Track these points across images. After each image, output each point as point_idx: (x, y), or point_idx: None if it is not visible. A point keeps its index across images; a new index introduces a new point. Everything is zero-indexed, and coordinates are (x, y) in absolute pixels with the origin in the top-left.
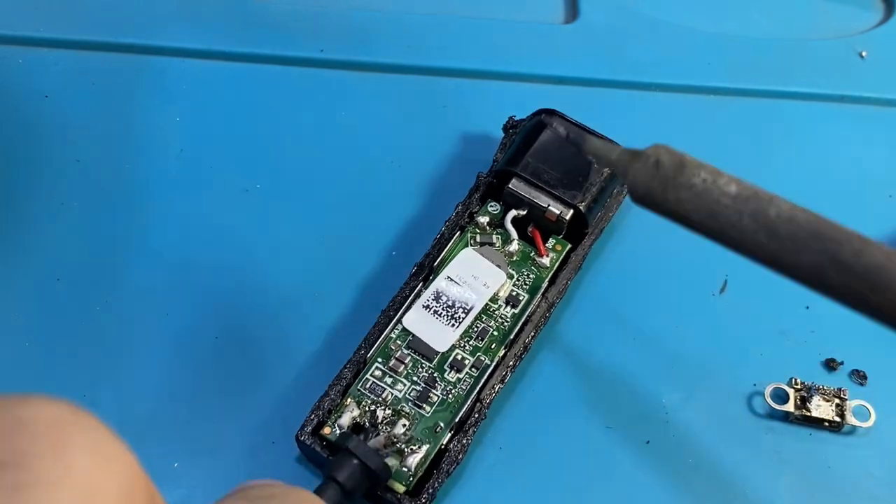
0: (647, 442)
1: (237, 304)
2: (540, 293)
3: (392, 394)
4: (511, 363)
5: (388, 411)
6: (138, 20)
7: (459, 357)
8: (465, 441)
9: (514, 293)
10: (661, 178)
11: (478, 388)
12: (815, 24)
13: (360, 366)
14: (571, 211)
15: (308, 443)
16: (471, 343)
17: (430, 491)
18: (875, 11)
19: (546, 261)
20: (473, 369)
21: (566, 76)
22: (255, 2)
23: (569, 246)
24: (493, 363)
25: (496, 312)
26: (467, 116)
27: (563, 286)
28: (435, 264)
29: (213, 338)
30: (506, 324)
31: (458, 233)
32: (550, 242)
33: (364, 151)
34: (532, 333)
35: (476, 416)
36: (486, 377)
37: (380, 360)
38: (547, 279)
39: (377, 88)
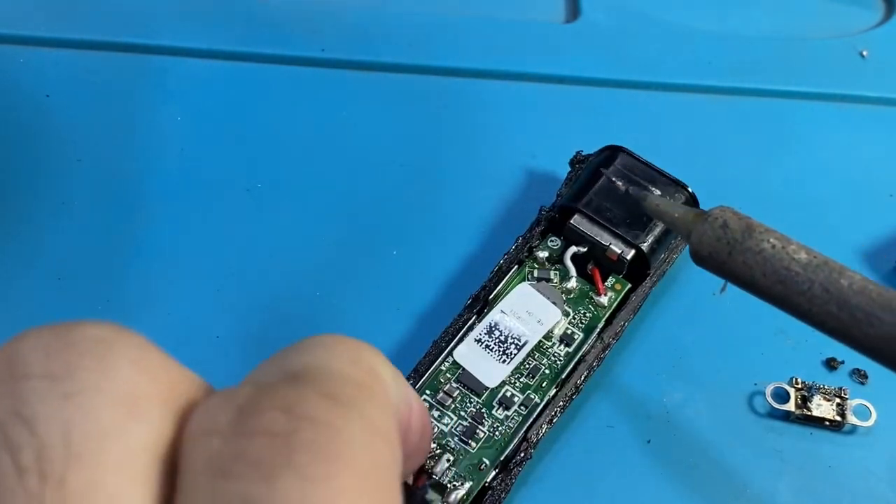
0: (648, 441)
1: (238, 304)
2: (596, 333)
3: (439, 427)
4: (561, 403)
5: (433, 445)
6: (139, 19)
7: (509, 394)
8: (509, 480)
9: (569, 331)
10: (729, 241)
11: (525, 427)
12: (816, 24)
13: None
14: (633, 251)
15: None
16: (521, 380)
17: None
18: (876, 11)
19: (604, 300)
20: (522, 407)
21: (567, 75)
22: (256, 1)
23: (629, 286)
24: (543, 402)
25: (549, 350)
26: (468, 116)
27: (621, 327)
28: (490, 297)
29: (215, 337)
30: (558, 362)
31: (516, 267)
32: (610, 281)
33: (365, 151)
34: (585, 374)
35: (522, 454)
36: (534, 416)
37: (428, 392)
38: (604, 319)
39: (378, 87)
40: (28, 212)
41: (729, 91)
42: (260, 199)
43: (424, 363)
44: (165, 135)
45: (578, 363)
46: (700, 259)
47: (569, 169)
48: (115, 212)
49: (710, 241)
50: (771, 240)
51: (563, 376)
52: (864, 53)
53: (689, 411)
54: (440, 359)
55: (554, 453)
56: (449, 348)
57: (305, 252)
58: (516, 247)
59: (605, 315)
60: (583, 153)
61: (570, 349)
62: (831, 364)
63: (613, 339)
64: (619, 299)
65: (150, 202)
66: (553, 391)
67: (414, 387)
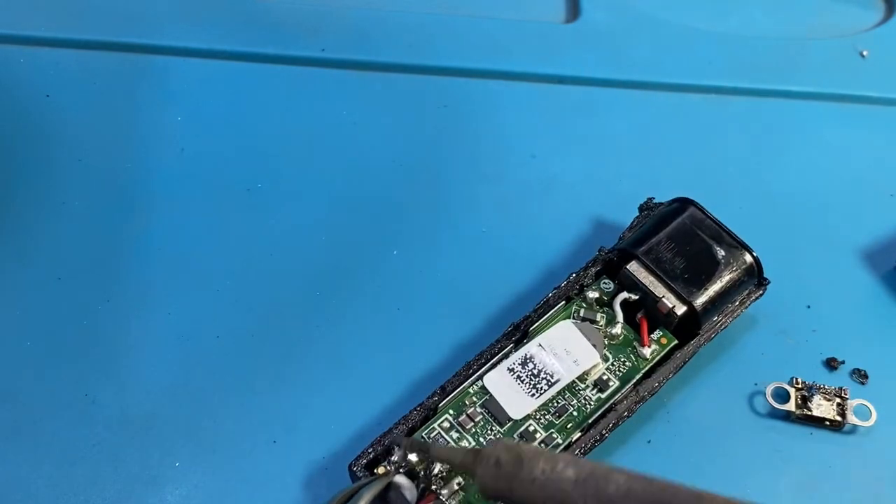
0: (649, 441)
1: (238, 304)
2: (631, 384)
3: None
4: (582, 448)
5: (445, 466)
6: (139, 19)
7: (531, 429)
8: None
9: (604, 377)
10: (505, 477)
11: None
12: (816, 24)
13: (430, 412)
14: (685, 307)
15: (359, 475)
16: (547, 417)
17: None
18: (876, 11)
19: (647, 352)
20: (542, 445)
21: (567, 75)
22: (256, 1)
23: (675, 342)
24: (564, 444)
25: (581, 393)
26: (468, 116)
27: (659, 383)
28: (531, 328)
29: (215, 337)
30: (588, 406)
31: (564, 302)
32: (656, 334)
33: (365, 151)
34: (613, 423)
35: None
36: None
37: (451, 412)
38: (643, 371)
39: (378, 87)
40: (28, 211)
41: (729, 91)
42: (260, 199)
43: (453, 382)
44: (166, 135)
45: (608, 411)
46: (490, 498)
47: (636, 213)
48: (115, 212)
49: (491, 481)
50: (540, 465)
51: (590, 422)
52: (864, 53)
53: (689, 411)
54: (469, 381)
55: None
56: (480, 372)
57: (305, 252)
58: (567, 282)
59: (644, 368)
60: (654, 200)
61: (603, 396)
62: (831, 364)
63: (649, 394)
64: (662, 354)
65: (151, 202)
66: (577, 435)
67: (437, 404)
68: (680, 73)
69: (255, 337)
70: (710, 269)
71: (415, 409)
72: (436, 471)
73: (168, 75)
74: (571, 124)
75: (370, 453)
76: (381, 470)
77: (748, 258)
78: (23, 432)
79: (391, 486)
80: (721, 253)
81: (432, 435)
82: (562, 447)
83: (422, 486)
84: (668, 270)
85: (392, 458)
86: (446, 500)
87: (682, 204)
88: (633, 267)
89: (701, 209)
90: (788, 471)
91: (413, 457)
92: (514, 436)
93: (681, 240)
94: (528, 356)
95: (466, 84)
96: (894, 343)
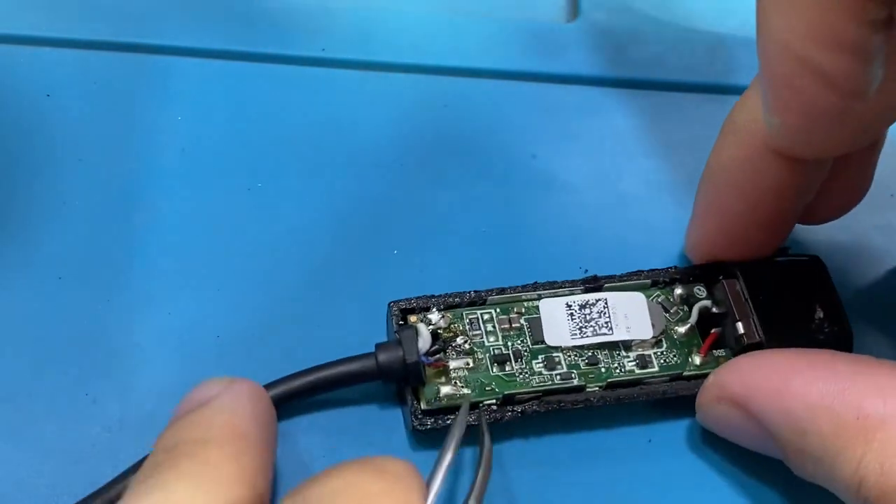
0: (650, 441)
1: (239, 304)
2: (667, 376)
3: (482, 338)
4: (590, 399)
5: (466, 345)
6: (140, 19)
7: (557, 360)
8: (497, 417)
9: (647, 356)
10: None
11: (543, 391)
12: None
13: (478, 299)
14: (756, 340)
15: (395, 313)
16: (576, 359)
17: (435, 425)
18: None
19: (698, 360)
20: (557, 377)
21: (567, 75)
22: (256, 1)
23: None
24: (577, 384)
25: (617, 355)
26: (468, 116)
27: (689, 391)
28: (606, 285)
29: (215, 337)
30: (618, 370)
31: (649, 282)
32: (717, 352)
33: (365, 151)
34: (629, 396)
35: (522, 409)
36: (560, 391)
37: (498, 309)
38: (683, 372)
39: (378, 87)
40: (28, 211)
41: (730, 90)
42: (260, 199)
43: (513, 289)
44: (166, 134)
45: (632, 384)
46: None
47: None
48: (116, 211)
49: None
50: None
51: (611, 381)
52: None
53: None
54: (528, 294)
55: (553, 443)
56: (540, 294)
57: (306, 252)
58: (665, 270)
59: (686, 371)
60: (790, 250)
61: (636, 370)
62: None
63: (674, 393)
64: (708, 370)
65: (151, 202)
66: (595, 387)
67: (486, 297)
68: (681, 72)
69: (254, 337)
70: (799, 322)
71: (469, 292)
72: (457, 342)
73: (168, 75)
74: (571, 124)
75: (413, 304)
76: (413, 318)
77: (843, 329)
78: (23, 432)
79: (412, 330)
80: (819, 314)
81: (471, 318)
82: (573, 385)
83: (435, 347)
84: (764, 304)
85: (427, 316)
86: (452, 371)
87: (812, 260)
88: (732, 283)
89: (826, 273)
90: (788, 470)
91: (442, 321)
92: (539, 356)
93: (791, 284)
94: (590, 302)
95: (466, 84)
96: (894, 344)
